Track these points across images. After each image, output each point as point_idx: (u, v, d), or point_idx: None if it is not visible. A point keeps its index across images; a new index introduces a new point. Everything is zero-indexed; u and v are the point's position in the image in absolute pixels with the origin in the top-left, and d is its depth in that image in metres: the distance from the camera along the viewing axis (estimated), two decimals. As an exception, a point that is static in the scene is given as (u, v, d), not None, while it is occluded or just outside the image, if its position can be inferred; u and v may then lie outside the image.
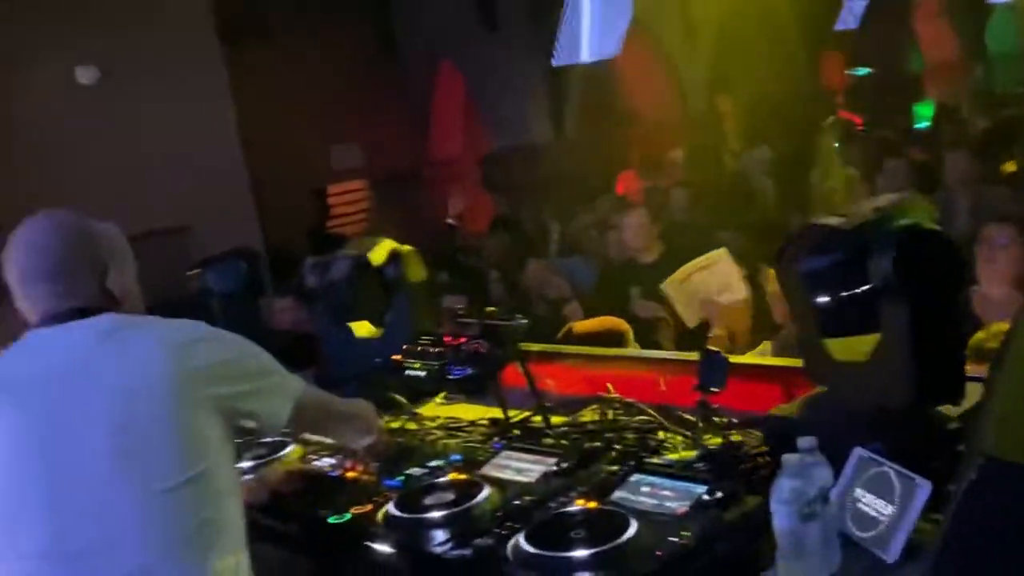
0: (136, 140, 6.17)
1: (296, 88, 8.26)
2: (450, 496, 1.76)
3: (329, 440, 2.07)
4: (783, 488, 1.41)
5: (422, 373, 2.21)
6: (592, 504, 1.69)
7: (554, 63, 9.19)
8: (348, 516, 1.82)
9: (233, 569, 1.52)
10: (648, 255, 4.38)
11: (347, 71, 8.84)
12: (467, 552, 1.63)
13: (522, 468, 1.91)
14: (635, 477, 1.74)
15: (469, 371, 2.11)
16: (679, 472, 1.74)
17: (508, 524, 1.67)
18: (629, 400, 2.18)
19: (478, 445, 2.12)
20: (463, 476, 1.90)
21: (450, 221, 8.47)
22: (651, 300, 4.07)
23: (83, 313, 1.59)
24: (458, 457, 2.03)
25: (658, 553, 1.50)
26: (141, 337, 1.58)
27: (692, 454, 1.87)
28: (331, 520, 1.81)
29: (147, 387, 1.51)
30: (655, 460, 1.86)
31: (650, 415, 2.10)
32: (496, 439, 2.14)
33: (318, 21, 8.58)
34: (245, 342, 1.66)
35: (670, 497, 1.65)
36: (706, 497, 1.61)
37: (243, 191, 6.77)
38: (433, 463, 2.01)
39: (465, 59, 9.40)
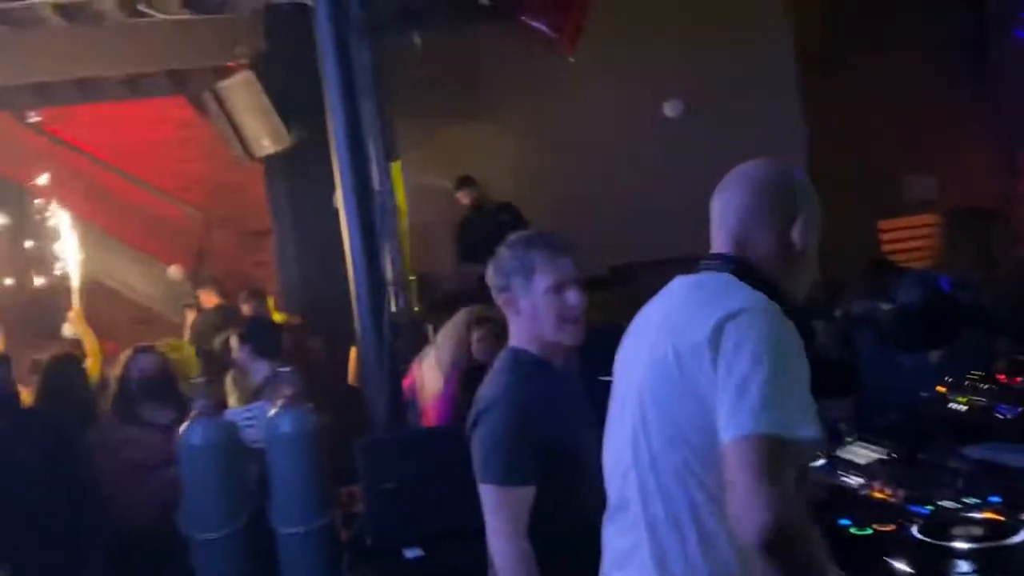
0: (712, 170, 6.69)
1: (870, 111, 8.12)
2: (979, 531, 1.71)
3: None
4: None
5: (963, 408, 2.13)
6: None
7: None
8: (869, 531, 1.87)
9: None
10: None
11: (927, 89, 8.39)
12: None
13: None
14: None
15: (1020, 411, 1.99)
16: None
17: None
18: None
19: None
20: (1000, 517, 1.81)
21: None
22: None
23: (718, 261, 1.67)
24: (997, 499, 1.93)
25: None
26: (697, 302, 1.62)
27: None
28: (852, 531, 1.87)
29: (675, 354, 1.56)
30: None
31: None
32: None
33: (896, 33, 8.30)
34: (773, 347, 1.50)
35: None
36: None
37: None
38: (968, 499, 1.95)
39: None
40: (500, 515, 2.08)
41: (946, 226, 8.84)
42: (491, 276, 2.28)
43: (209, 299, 6.95)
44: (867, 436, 2.47)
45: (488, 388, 2.24)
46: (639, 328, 1.79)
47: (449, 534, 3.11)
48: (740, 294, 1.61)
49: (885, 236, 8.99)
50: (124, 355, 4.09)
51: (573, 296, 2.19)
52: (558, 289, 2.19)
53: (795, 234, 1.68)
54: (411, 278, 5.24)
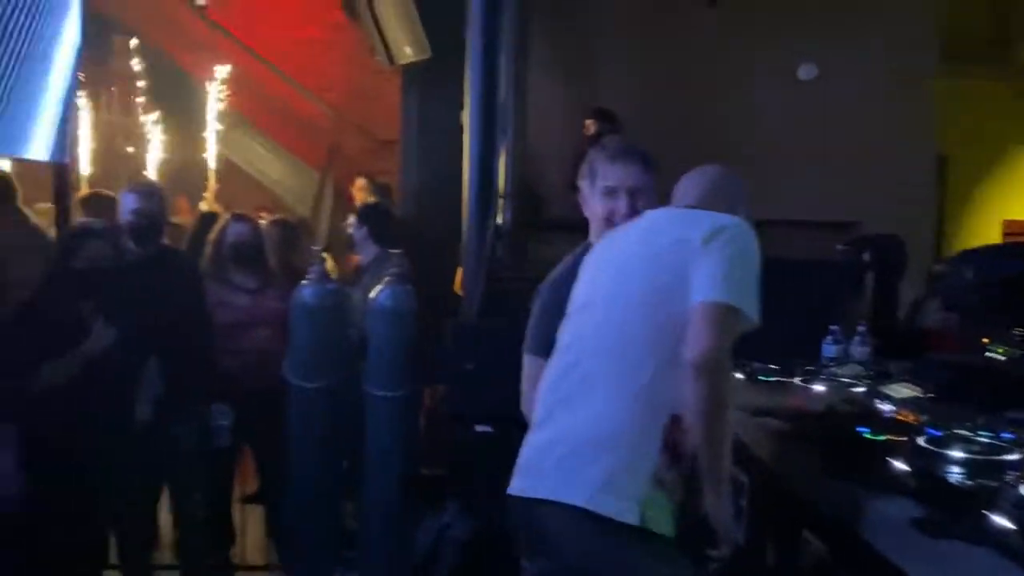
0: (836, 135, 6.71)
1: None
2: (977, 448, 1.90)
3: None
4: None
5: (1001, 358, 2.28)
6: None
7: None
8: (882, 438, 2.08)
9: None
10: None
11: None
12: (970, 484, 1.78)
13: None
14: None
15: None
16: None
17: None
18: None
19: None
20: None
21: None
22: None
23: None
24: (1010, 435, 2.10)
25: None
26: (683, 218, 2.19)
27: None
28: (866, 435, 2.09)
29: None
30: None
31: None
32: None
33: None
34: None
35: None
36: None
37: (925, 195, 6.85)
38: (983, 432, 2.12)
39: None
40: None
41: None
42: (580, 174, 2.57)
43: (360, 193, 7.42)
44: (913, 380, 2.66)
45: (554, 272, 2.55)
46: (610, 245, 2.29)
47: (517, 418, 3.42)
48: (724, 216, 2.13)
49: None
50: (221, 221, 4.22)
51: (622, 203, 2.40)
52: (611, 193, 2.41)
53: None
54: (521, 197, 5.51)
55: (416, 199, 7.06)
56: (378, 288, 3.87)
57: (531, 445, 2.16)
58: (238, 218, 4.18)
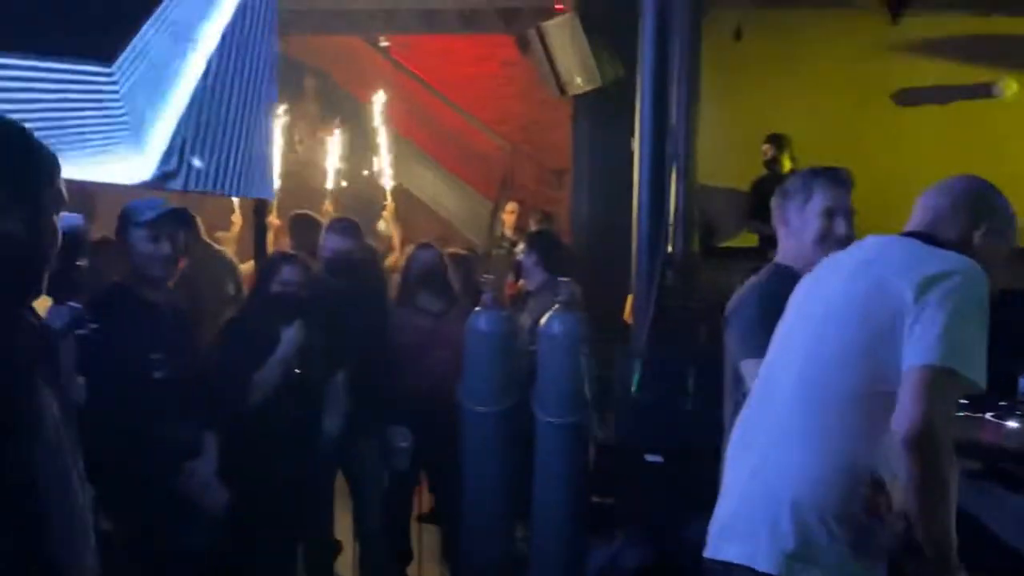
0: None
1: None
2: None
3: None
4: None
5: None
6: None
7: None
8: None
9: None
10: None
11: None
12: None
13: None
14: None
15: None
16: None
17: None
18: None
19: None
20: None
21: None
22: None
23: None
24: None
25: None
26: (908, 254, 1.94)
27: None
28: None
29: None
30: None
31: None
32: None
33: None
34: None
35: None
36: None
37: None
38: None
39: None
40: None
41: None
42: (775, 195, 2.53)
43: (510, 216, 7.61)
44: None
45: (742, 292, 2.50)
46: (829, 268, 2.09)
47: (687, 449, 3.38)
48: (950, 256, 1.90)
49: None
50: (407, 249, 4.55)
51: (840, 224, 2.43)
52: (830, 214, 2.42)
53: (976, 236, 1.99)
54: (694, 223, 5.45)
55: (587, 226, 7.12)
56: (547, 315, 3.92)
57: (723, 503, 2.09)
58: (423, 246, 4.45)
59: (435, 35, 9.36)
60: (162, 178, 3.46)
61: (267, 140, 4.13)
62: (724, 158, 6.67)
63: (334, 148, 6.80)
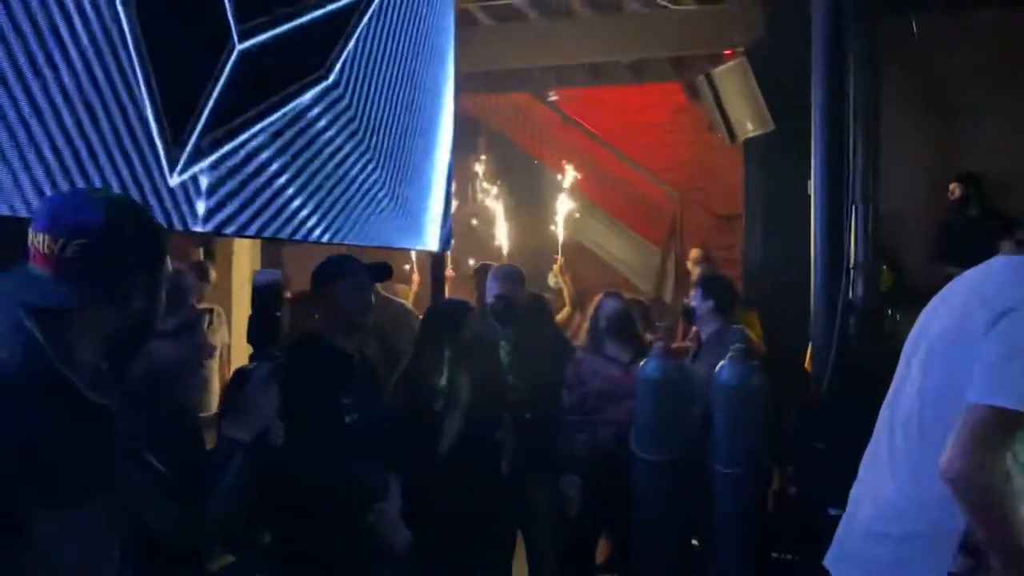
0: None
1: None
2: None
3: None
4: None
5: None
6: None
7: None
8: None
9: None
10: None
11: None
12: None
13: None
14: None
15: None
16: None
17: None
18: None
19: None
20: None
21: None
22: None
23: None
24: None
25: None
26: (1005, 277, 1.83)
27: None
28: None
29: None
30: None
31: None
32: None
33: None
34: None
35: None
36: None
37: None
38: None
39: None
40: None
41: None
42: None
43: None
44: None
45: None
46: (950, 291, 1.97)
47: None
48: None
49: None
50: (596, 299, 4.55)
51: None
52: None
53: None
54: (882, 267, 5.23)
55: (761, 273, 6.97)
56: (721, 363, 3.86)
57: (843, 522, 2.14)
58: (610, 295, 4.48)
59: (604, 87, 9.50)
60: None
61: (445, 195, 4.32)
62: (913, 195, 6.42)
63: (506, 204, 7.00)
